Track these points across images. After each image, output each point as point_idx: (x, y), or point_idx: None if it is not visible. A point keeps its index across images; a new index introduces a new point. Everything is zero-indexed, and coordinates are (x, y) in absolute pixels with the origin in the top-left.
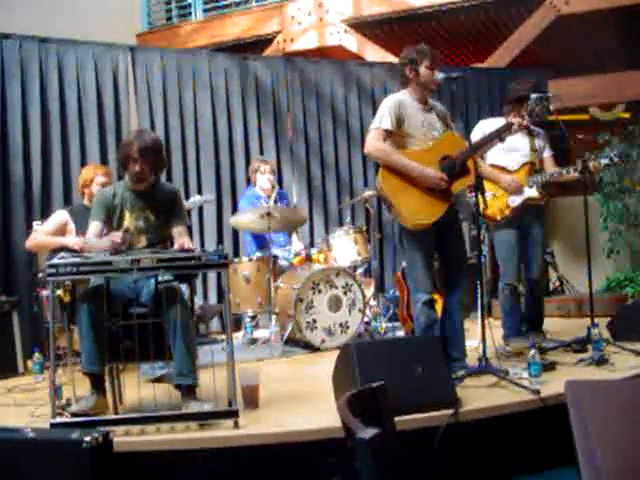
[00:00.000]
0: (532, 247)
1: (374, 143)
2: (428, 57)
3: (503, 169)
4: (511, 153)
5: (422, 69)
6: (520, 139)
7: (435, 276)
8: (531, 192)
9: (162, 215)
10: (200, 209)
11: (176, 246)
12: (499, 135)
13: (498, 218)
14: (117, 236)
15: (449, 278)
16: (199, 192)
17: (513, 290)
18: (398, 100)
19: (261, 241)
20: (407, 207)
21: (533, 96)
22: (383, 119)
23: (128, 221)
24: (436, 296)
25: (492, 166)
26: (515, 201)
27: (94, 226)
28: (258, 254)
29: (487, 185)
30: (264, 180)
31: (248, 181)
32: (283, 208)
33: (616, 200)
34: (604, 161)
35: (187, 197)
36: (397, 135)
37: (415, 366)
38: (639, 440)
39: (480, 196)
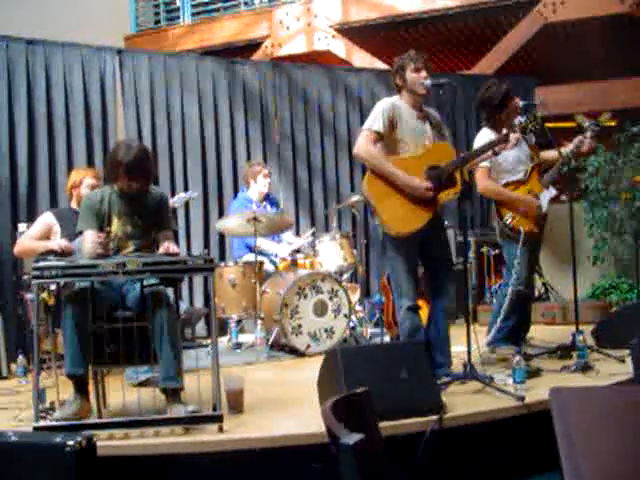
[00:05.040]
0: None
1: (364, 146)
2: (413, 61)
3: (519, 182)
4: (523, 164)
5: (408, 73)
6: (517, 148)
7: (420, 282)
8: (551, 192)
9: (150, 220)
10: (187, 212)
11: (160, 250)
12: (492, 148)
13: (535, 231)
14: (96, 241)
15: (434, 284)
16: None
17: (521, 296)
18: (392, 103)
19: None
20: (390, 214)
21: (520, 103)
22: (375, 121)
23: (116, 226)
24: (421, 302)
25: (508, 184)
26: (544, 207)
27: (89, 235)
28: (245, 258)
29: (513, 209)
30: (265, 183)
31: (235, 185)
32: (269, 213)
33: (602, 208)
34: (591, 128)
35: (172, 196)
36: (388, 139)
37: (400, 371)
38: (623, 447)
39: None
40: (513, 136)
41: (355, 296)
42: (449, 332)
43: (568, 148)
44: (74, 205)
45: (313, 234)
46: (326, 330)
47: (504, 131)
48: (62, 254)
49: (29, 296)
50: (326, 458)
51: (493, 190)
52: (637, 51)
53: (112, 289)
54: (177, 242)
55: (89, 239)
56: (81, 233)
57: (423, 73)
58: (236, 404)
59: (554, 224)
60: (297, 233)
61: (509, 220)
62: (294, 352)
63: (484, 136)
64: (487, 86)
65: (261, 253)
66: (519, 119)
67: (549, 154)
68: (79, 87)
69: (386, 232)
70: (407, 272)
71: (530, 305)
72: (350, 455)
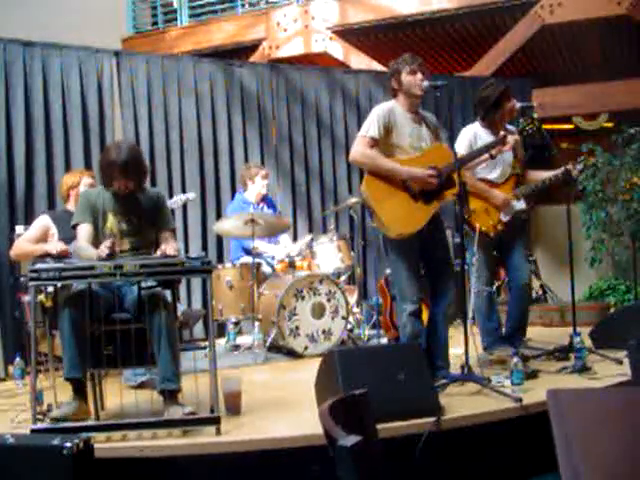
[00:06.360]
0: (519, 254)
1: (359, 150)
2: (408, 63)
3: (491, 183)
4: (498, 166)
5: (404, 76)
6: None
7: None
8: (520, 205)
9: (146, 219)
10: (185, 214)
11: (158, 252)
12: (489, 151)
13: (492, 234)
14: (104, 250)
15: (435, 288)
16: None
17: (488, 296)
18: (388, 109)
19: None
20: (391, 215)
21: (518, 105)
22: (370, 127)
23: (111, 224)
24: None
25: (483, 180)
26: (507, 216)
27: (85, 229)
28: (243, 260)
29: (478, 201)
30: (263, 185)
31: (233, 187)
32: (267, 215)
33: (599, 209)
34: (579, 167)
35: (170, 197)
36: (384, 144)
37: (398, 373)
38: (621, 448)
39: (464, 205)
40: (511, 138)
41: (353, 298)
42: (447, 334)
43: (552, 173)
44: (71, 207)
45: (311, 240)
46: (324, 332)
47: (502, 134)
48: (59, 256)
49: (26, 298)
50: (324, 460)
51: (470, 181)
52: (634, 53)
53: (109, 291)
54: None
55: (84, 234)
56: (75, 228)
57: (419, 75)
58: (234, 406)
59: (552, 226)
60: (295, 235)
61: (469, 215)
62: (292, 354)
63: (467, 133)
64: (486, 85)
65: (258, 255)
66: (510, 126)
67: (533, 174)
68: (76, 89)
69: (386, 234)
70: (409, 275)
71: (527, 307)
72: (348, 457)
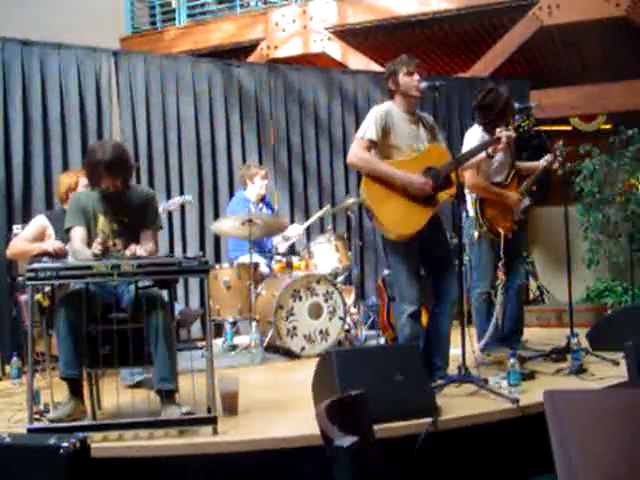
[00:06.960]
0: (517, 254)
1: (357, 153)
2: (405, 64)
3: (500, 185)
4: (504, 167)
5: (401, 77)
6: (503, 151)
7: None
8: (526, 202)
9: (136, 217)
10: (182, 215)
11: (127, 252)
12: (485, 149)
13: (509, 236)
14: (97, 247)
15: (438, 286)
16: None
17: (488, 297)
18: (385, 110)
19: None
20: (390, 217)
21: (516, 105)
22: (368, 129)
23: (103, 224)
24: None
25: (492, 184)
26: (517, 214)
27: (78, 232)
28: (240, 259)
29: (495, 206)
30: (262, 185)
31: (231, 187)
32: (265, 215)
33: (596, 211)
34: (559, 157)
35: (168, 198)
36: (382, 145)
37: (395, 374)
38: (617, 448)
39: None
40: (505, 134)
41: (350, 298)
42: (450, 334)
43: (539, 163)
44: None
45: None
46: (321, 332)
47: (497, 131)
48: (56, 256)
49: (23, 298)
50: (321, 460)
51: (483, 187)
52: (633, 54)
53: (106, 291)
54: (172, 244)
55: (78, 237)
56: (69, 230)
57: (416, 76)
58: (231, 406)
59: (549, 227)
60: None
61: (488, 222)
62: (289, 354)
63: (475, 134)
64: (486, 91)
65: (259, 251)
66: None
67: (525, 165)
68: (75, 88)
69: (386, 236)
70: (408, 276)
71: (522, 307)
72: (344, 457)
